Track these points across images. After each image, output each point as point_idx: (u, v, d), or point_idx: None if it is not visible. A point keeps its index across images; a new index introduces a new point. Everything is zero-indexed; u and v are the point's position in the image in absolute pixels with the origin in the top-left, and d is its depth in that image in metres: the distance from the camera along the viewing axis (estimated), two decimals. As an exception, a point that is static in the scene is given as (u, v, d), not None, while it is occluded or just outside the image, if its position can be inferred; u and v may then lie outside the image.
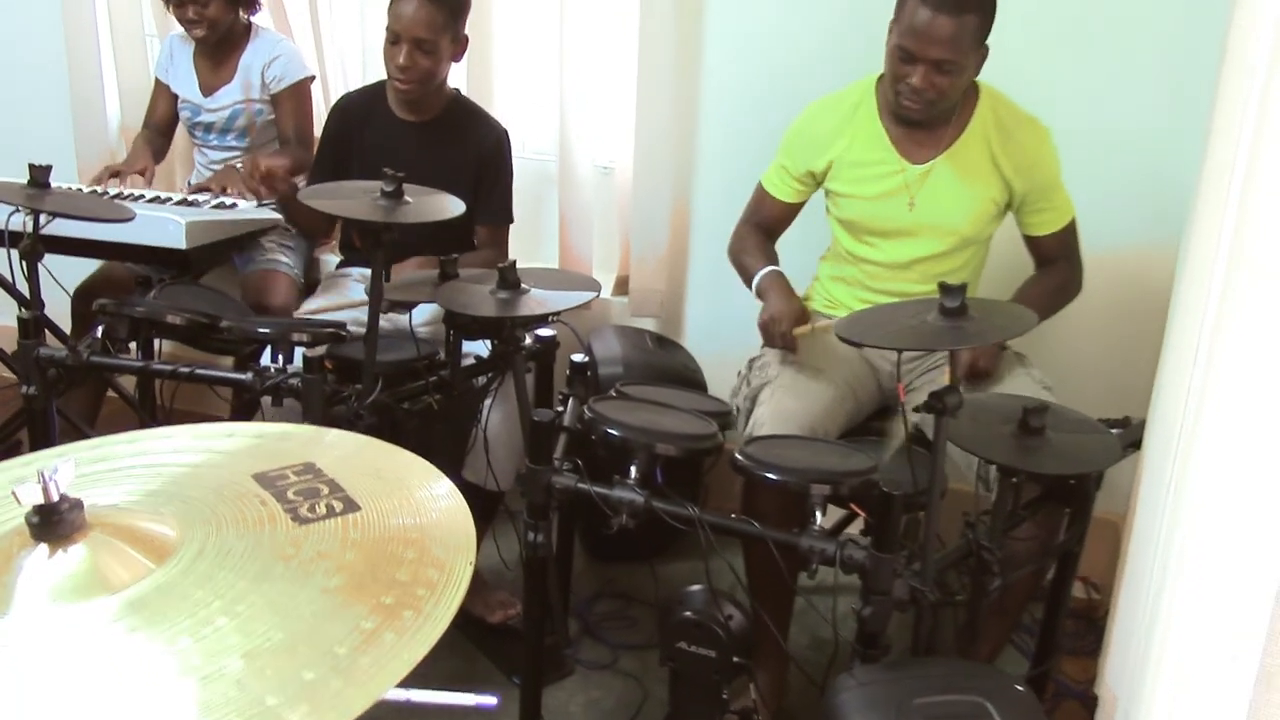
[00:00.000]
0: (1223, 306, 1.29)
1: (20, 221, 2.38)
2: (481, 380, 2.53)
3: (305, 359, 2.16)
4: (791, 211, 2.64)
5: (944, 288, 1.75)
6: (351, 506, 0.93)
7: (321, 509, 0.92)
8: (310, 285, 3.15)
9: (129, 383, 3.12)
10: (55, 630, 0.81)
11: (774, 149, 2.66)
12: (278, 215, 2.97)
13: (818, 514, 1.87)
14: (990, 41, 2.33)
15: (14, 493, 0.84)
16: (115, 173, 3.13)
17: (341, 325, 2.39)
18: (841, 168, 2.51)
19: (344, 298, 2.77)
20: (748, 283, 2.58)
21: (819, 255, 2.70)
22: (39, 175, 2.31)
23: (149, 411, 2.70)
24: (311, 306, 2.80)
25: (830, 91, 2.59)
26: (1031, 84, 2.55)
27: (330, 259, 3.28)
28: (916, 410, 1.81)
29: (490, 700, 1.17)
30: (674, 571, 2.89)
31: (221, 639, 0.79)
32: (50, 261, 2.60)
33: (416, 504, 0.96)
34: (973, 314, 1.74)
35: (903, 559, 1.82)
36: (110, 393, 3.27)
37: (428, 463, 1.04)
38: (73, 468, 0.86)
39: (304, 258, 3.19)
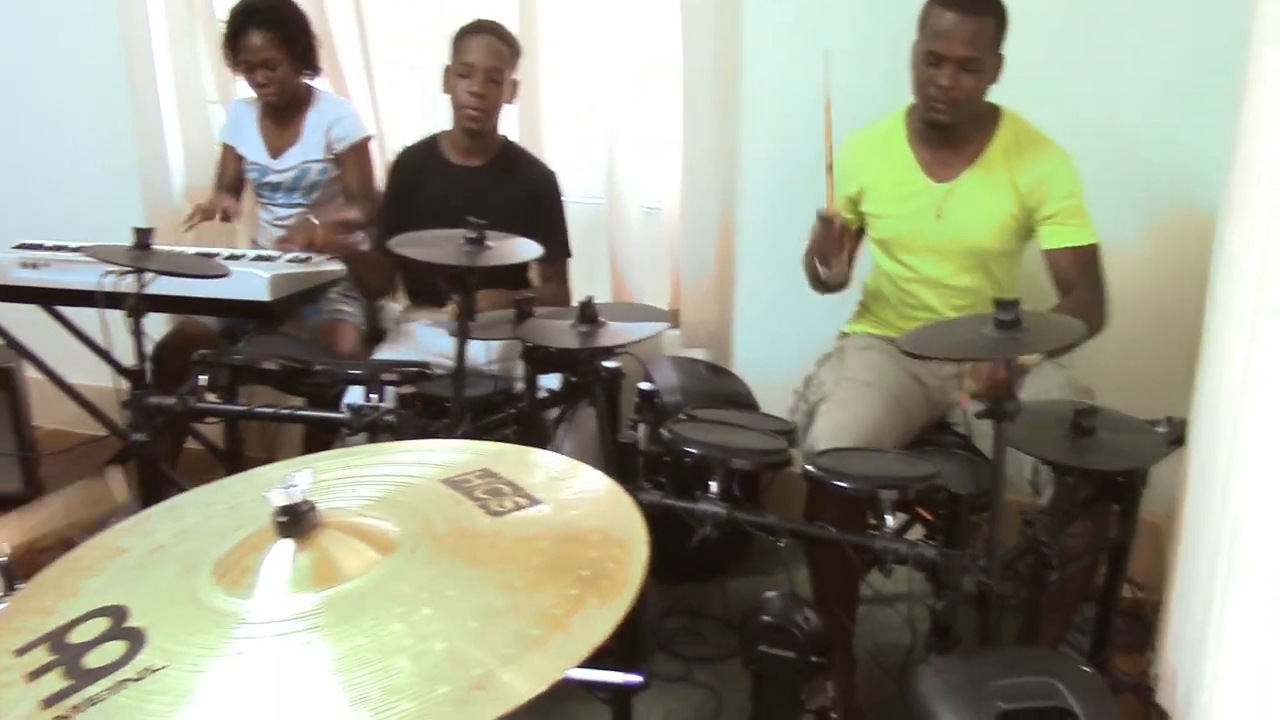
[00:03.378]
0: (1260, 299, 1.45)
1: (113, 282, 2.56)
2: (553, 412, 2.69)
3: (399, 396, 2.32)
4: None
5: (999, 302, 1.90)
6: (534, 501, 1.09)
7: (509, 504, 1.08)
8: (373, 333, 3.33)
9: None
10: (288, 614, 0.98)
11: (812, 179, 2.83)
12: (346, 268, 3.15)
13: (888, 517, 2.02)
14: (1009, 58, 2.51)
15: (264, 496, 1.01)
16: (206, 214, 3.32)
17: (425, 364, 2.55)
18: (873, 189, 2.70)
19: (425, 338, 2.94)
20: (810, 266, 2.74)
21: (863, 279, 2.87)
22: (142, 237, 2.48)
23: (236, 455, 2.86)
24: (390, 351, 2.96)
25: (868, 121, 2.77)
26: (1046, 96, 2.71)
27: (392, 306, 3.46)
28: (978, 417, 1.97)
29: (636, 678, 1.30)
30: (734, 589, 3.04)
31: (450, 605, 0.95)
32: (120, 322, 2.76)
33: (584, 497, 1.12)
34: (1026, 325, 1.90)
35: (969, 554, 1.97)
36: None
37: (577, 461, 1.20)
38: (310, 476, 1.02)
39: (366, 307, 3.37)
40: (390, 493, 1.12)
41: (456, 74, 2.97)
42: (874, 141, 2.72)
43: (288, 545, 1.02)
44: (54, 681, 0.93)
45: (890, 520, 2.02)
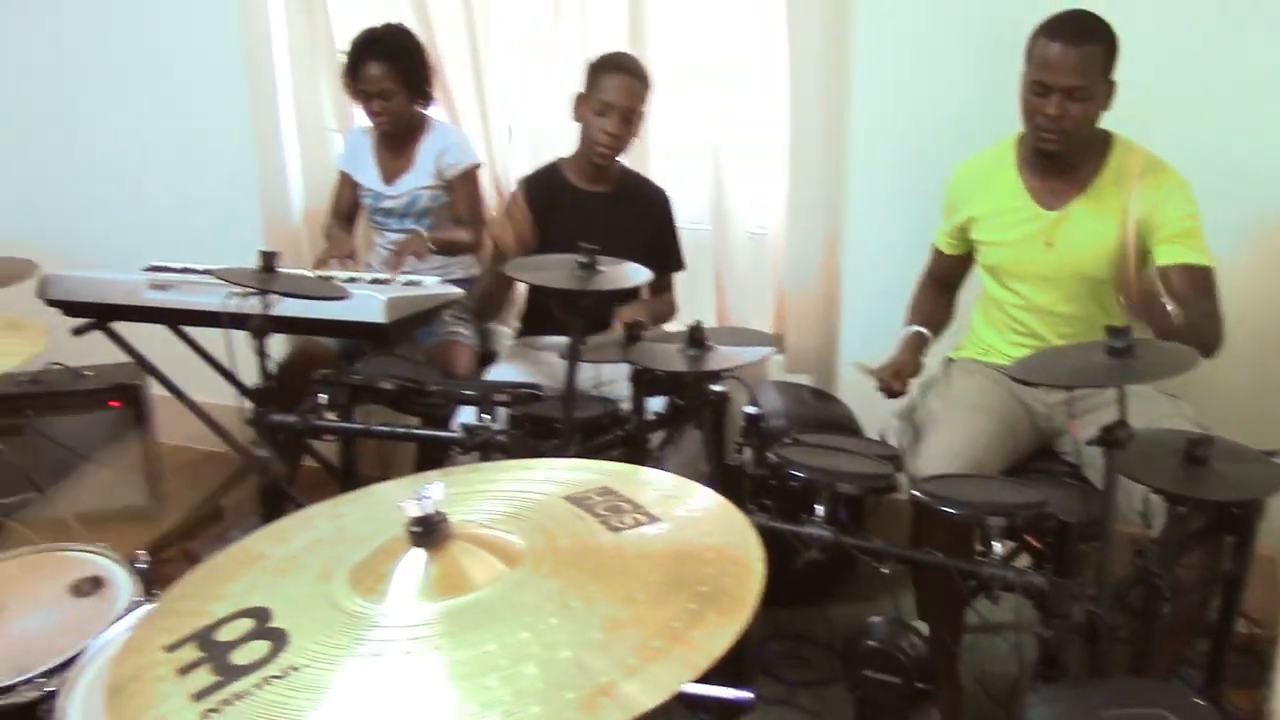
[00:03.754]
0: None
1: (237, 303, 2.67)
2: (657, 436, 2.72)
3: (511, 417, 2.38)
4: (955, 263, 2.84)
5: (1110, 329, 1.90)
6: (653, 518, 1.13)
7: (629, 521, 1.13)
8: (485, 355, 3.41)
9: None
10: (420, 619, 1.03)
11: (919, 208, 2.86)
12: (459, 291, 3.23)
13: (995, 544, 2.02)
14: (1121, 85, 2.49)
15: (399, 507, 1.06)
16: (331, 257, 3.43)
17: (536, 386, 2.61)
18: (982, 217, 2.70)
19: (535, 364, 3.02)
20: None
21: (973, 305, 2.87)
22: (267, 261, 2.58)
23: (351, 473, 2.94)
24: (503, 373, 3.04)
25: (978, 137, 2.79)
26: (1154, 120, 2.68)
27: (503, 330, 3.54)
28: (1089, 444, 1.96)
29: (748, 695, 1.31)
30: (838, 614, 3.05)
31: (575, 616, 0.99)
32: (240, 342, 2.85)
33: (699, 515, 1.16)
34: (1138, 353, 1.89)
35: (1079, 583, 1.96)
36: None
37: (685, 479, 1.24)
38: (443, 489, 1.07)
39: (479, 329, 3.46)
40: (516, 508, 1.17)
41: (592, 110, 3.05)
42: (983, 169, 2.73)
43: (420, 554, 1.07)
44: (203, 677, 0.99)
45: (998, 547, 2.02)
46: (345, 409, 2.58)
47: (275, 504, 2.70)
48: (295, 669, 0.98)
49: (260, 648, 1.01)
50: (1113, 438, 1.89)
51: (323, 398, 2.57)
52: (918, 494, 2.11)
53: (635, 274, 2.44)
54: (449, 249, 3.47)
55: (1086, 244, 2.58)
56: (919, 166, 3.08)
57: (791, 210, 3.22)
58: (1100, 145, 2.60)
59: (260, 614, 1.06)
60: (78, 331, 3.16)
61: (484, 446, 2.40)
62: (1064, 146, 2.52)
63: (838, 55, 3.11)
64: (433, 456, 3.09)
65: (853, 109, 3.17)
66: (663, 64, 3.34)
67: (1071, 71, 2.43)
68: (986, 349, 2.78)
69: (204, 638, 1.05)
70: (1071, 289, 2.62)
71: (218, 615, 1.08)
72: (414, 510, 1.06)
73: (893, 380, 2.67)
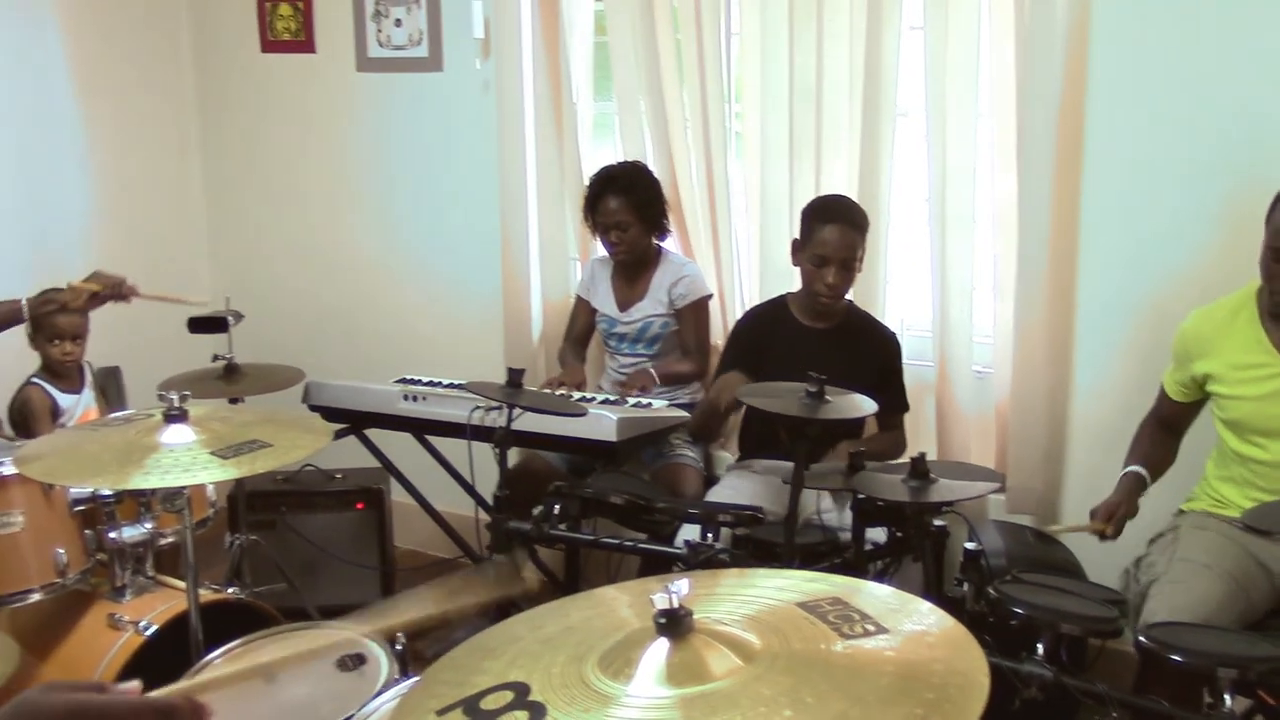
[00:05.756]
0: None
1: (480, 416, 2.87)
2: (876, 566, 2.76)
3: (733, 537, 2.47)
4: (1183, 410, 2.79)
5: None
6: (881, 629, 1.20)
7: (859, 630, 1.20)
8: (708, 478, 3.52)
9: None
10: (663, 701, 1.12)
11: (1153, 357, 2.83)
12: (686, 414, 3.36)
13: (1227, 698, 1.97)
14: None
15: (650, 599, 1.17)
16: (561, 383, 3.62)
17: (759, 509, 2.69)
18: (1223, 371, 2.65)
19: (756, 486, 3.10)
20: None
21: (1206, 455, 2.80)
22: (514, 376, 2.77)
23: (573, 583, 3.07)
24: (725, 494, 3.14)
25: (1210, 300, 2.75)
26: None
27: (723, 455, 3.65)
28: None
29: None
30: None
31: (808, 711, 1.07)
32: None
33: (927, 629, 1.22)
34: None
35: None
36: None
37: (908, 594, 1.30)
38: (689, 585, 1.17)
39: (704, 453, 3.57)
40: (753, 611, 1.26)
41: (809, 261, 3.13)
42: (1222, 320, 2.69)
43: (664, 644, 1.17)
44: (469, 739, 1.11)
45: (1229, 701, 1.96)
46: (575, 521, 2.72)
47: (503, 609, 2.84)
48: (552, 737, 1.08)
49: (520, 717, 1.12)
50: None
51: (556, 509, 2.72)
52: (1144, 639, 2.08)
53: (863, 404, 2.52)
54: (673, 381, 3.62)
55: None
56: (1150, 312, 3.05)
57: (1018, 352, 3.23)
58: None
59: (520, 688, 1.17)
60: (337, 435, 3.42)
61: (706, 564, 2.49)
62: None
63: (1069, 198, 3.15)
64: (654, 572, 3.19)
65: (1083, 252, 3.18)
66: (894, 203, 3.43)
67: None
68: (1221, 502, 2.71)
69: (470, 705, 1.17)
70: None
71: (481, 686, 1.19)
72: (662, 603, 1.16)
73: (1104, 524, 2.64)
